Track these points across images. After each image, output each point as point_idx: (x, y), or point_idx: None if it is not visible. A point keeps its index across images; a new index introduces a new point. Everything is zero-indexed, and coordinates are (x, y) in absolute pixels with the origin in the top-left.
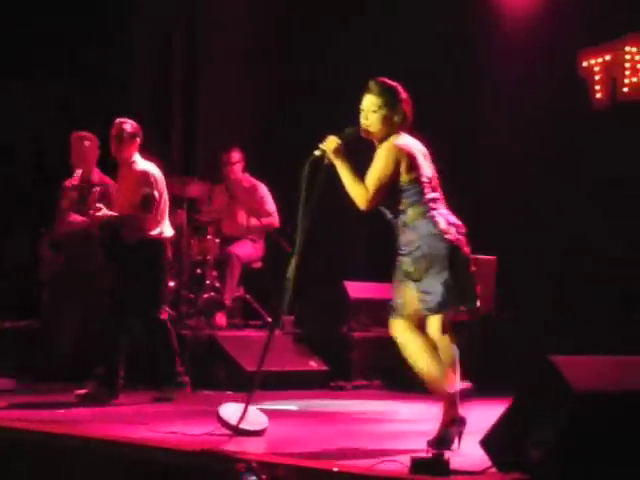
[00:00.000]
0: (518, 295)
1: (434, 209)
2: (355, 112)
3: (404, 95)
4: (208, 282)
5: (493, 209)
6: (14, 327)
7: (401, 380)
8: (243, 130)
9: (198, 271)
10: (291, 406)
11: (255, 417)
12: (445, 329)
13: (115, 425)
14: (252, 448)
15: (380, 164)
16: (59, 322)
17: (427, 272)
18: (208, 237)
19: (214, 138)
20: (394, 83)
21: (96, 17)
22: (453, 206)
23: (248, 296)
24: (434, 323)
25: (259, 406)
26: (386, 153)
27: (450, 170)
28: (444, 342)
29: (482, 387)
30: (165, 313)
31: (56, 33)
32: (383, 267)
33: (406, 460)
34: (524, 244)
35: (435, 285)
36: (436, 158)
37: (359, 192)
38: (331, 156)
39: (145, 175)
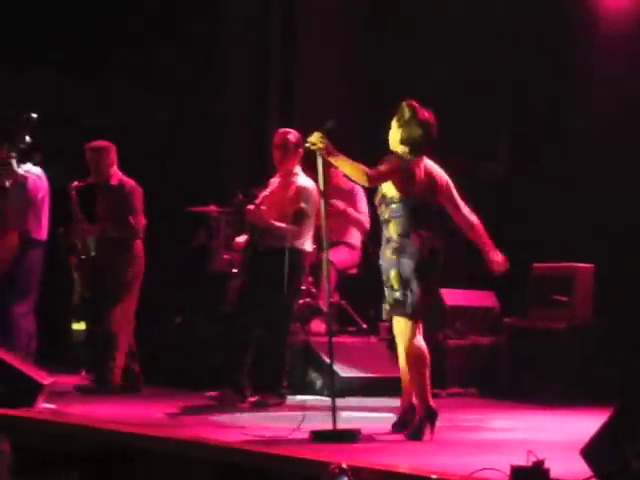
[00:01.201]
0: (617, 302)
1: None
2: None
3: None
4: (304, 288)
5: (590, 215)
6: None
7: (496, 388)
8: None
9: None
10: (386, 413)
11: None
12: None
13: (209, 428)
14: (347, 454)
15: (395, 161)
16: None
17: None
18: None
19: None
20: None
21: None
22: (553, 212)
23: (343, 302)
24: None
25: (354, 413)
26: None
27: (549, 176)
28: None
29: (581, 395)
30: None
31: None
32: (479, 274)
33: (505, 469)
34: (622, 251)
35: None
36: (534, 163)
37: (359, 172)
38: (322, 153)
39: (305, 191)
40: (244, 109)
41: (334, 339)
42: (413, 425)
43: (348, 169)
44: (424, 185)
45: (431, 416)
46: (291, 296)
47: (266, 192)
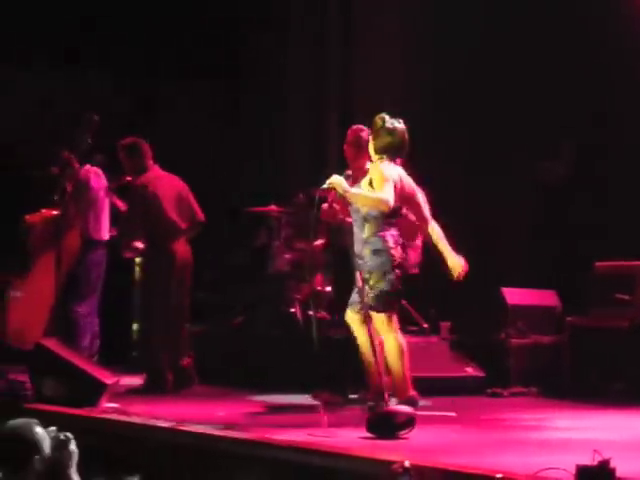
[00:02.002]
0: None
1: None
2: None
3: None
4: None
5: None
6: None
7: (559, 387)
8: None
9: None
10: (448, 412)
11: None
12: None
13: (273, 428)
14: (410, 453)
15: (381, 179)
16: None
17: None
18: None
19: None
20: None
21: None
22: (616, 211)
23: (404, 302)
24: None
25: (416, 412)
26: (379, 173)
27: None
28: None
29: None
30: None
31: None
32: (541, 273)
33: (570, 468)
34: None
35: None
36: (597, 162)
37: (375, 200)
38: (340, 191)
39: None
40: (303, 110)
41: None
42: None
43: (364, 201)
44: (396, 189)
45: (414, 404)
46: None
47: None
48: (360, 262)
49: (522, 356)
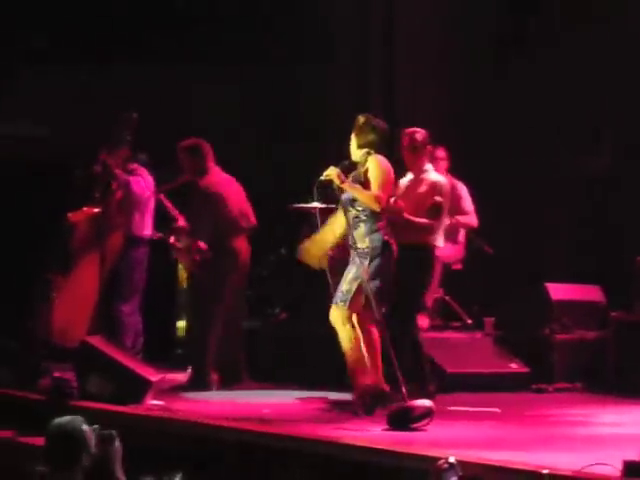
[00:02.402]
0: None
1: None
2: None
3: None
4: None
5: None
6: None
7: (603, 383)
8: (445, 128)
9: None
10: (493, 408)
11: None
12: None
13: (307, 424)
14: (456, 448)
15: (381, 173)
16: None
17: None
18: None
19: None
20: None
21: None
22: None
23: (447, 297)
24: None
25: (460, 408)
26: (379, 166)
27: None
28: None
29: None
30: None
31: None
32: (585, 268)
33: (617, 463)
34: None
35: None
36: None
37: (370, 198)
38: (337, 182)
39: (437, 185)
40: (346, 106)
41: (439, 334)
42: (366, 403)
43: (360, 195)
44: (391, 184)
45: (384, 396)
46: (425, 292)
47: (400, 191)
48: (359, 257)
49: (566, 352)
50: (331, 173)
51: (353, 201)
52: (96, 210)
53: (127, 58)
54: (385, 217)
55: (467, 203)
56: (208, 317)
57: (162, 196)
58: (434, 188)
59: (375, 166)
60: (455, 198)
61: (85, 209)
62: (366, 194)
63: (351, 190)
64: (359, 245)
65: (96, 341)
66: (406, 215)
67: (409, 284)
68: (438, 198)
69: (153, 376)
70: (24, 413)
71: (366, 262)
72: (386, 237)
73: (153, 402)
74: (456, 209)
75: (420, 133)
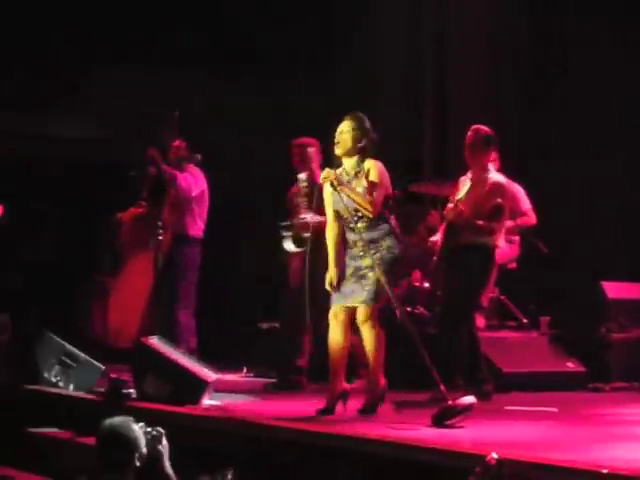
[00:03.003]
0: None
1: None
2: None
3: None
4: None
5: None
6: (270, 328)
7: None
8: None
9: None
10: (549, 408)
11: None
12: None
13: (362, 423)
14: (511, 448)
15: (382, 178)
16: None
17: None
18: None
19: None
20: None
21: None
22: None
23: (503, 297)
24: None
25: (517, 407)
26: (379, 170)
27: None
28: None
29: None
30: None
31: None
32: None
33: None
34: None
35: None
36: None
37: (365, 202)
38: (335, 184)
39: (499, 186)
40: (398, 110)
41: (495, 334)
42: (368, 402)
43: (358, 199)
44: (388, 190)
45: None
46: (484, 292)
47: (462, 191)
48: (373, 255)
49: (623, 351)
50: (327, 176)
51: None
52: (141, 209)
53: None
54: (445, 219)
55: (524, 203)
56: (299, 318)
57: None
58: (495, 189)
59: (377, 171)
60: (512, 199)
61: (131, 209)
62: (360, 199)
63: (350, 193)
64: (380, 244)
65: (153, 342)
66: (469, 218)
67: (468, 283)
68: (499, 200)
69: (209, 377)
70: (82, 414)
71: (387, 260)
72: (400, 241)
73: (210, 402)
74: (514, 210)
75: (485, 131)
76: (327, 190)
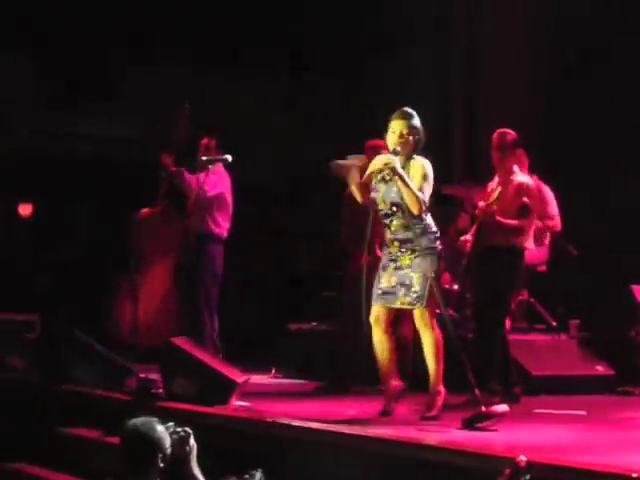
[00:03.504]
0: None
1: None
2: None
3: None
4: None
5: None
6: (300, 329)
7: None
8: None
9: None
10: (579, 411)
11: None
12: None
13: (395, 425)
14: (540, 451)
15: (430, 177)
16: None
17: None
18: None
19: None
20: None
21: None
22: None
23: (532, 300)
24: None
25: (546, 410)
26: (428, 169)
27: None
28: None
29: None
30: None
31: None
32: None
33: None
34: None
35: None
36: None
37: (415, 198)
38: (397, 170)
39: (524, 186)
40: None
41: (524, 337)
42: (433, 408)
43: (406, 192)
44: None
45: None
46: (514, 294)
47: (495, 194)
48: (419, 256)
49: None
50: (390, 162)
51: (405, 207)
52: (156, 207)
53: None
54: (476, 221)
55: (553, 207)
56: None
57: None
58: (521, 189)
59: (426, 170)
60: (542, 201)
61: (149, 208)
62: (414, 193)
63: (404, 186)
64: (418, 245)
65: (181, 342)
66: (499, 218)
67: (499, 285)
68: (525, 199)
69: (238, 377)
70: (110, 413)
71: (430, 259)
72: (437, 234)
73: (239, 403)
74: (543, 212)
75: (510, 134)
76: (376, 176)
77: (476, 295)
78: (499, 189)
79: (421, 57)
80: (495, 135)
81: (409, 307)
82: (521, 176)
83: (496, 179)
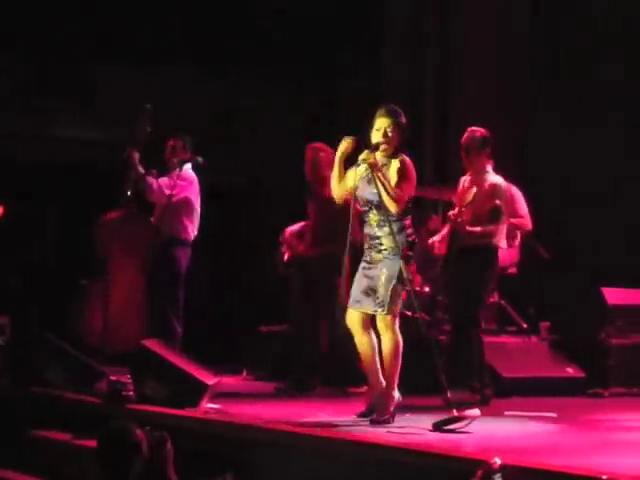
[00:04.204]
0: None
1: None
2: None
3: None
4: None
5: None
6: (272, 331)
7: None
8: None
9: None
10: (549, 413)
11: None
12: None
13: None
14: (510, 453)
15: (411, 176)
16: (306, 327)
17: None
18: None
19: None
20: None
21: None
22: None
23: (503, 302)
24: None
25: (516, 412)
26: (411, 168)
27: None
28: None
29: None
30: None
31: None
32: None
33: None
34: None
35: None
36: None
37: (394, 198)
38: (371, 168)
39: (496, 188)
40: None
41: (495, 339)
42: (383, 411)
43: (388, 188)
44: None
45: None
46: (489, 291)
47: (469, 196)
48: (388, 257)
49: (623, 356)
50: (369, 158)
51: (379, 205)
52: (125, 210)
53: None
54: (449, 223)
55: (522, 206)
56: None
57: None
58: (493, 191)
59: (408, 168)
60: (512, 201)
61: (115, 210)
62: (391, 191)
63: (385, 182)
64: (387, 244)
65: (152, 344)
66: (468, 228)
67: (474, 283)
68: (498, 202)
69: (209, 379)
70: (81, 416)
71: (399, 261)
72: (412, 237)
73: (209, 405)
74: (511, 212)
75: (479, 132)
76: (356, 170)
77: (451, 294)
78: (474, 190)
79: (393, 57)
80: (465, 134)
81: (374, 313)
82: (494, 177)
83: (468, 177)
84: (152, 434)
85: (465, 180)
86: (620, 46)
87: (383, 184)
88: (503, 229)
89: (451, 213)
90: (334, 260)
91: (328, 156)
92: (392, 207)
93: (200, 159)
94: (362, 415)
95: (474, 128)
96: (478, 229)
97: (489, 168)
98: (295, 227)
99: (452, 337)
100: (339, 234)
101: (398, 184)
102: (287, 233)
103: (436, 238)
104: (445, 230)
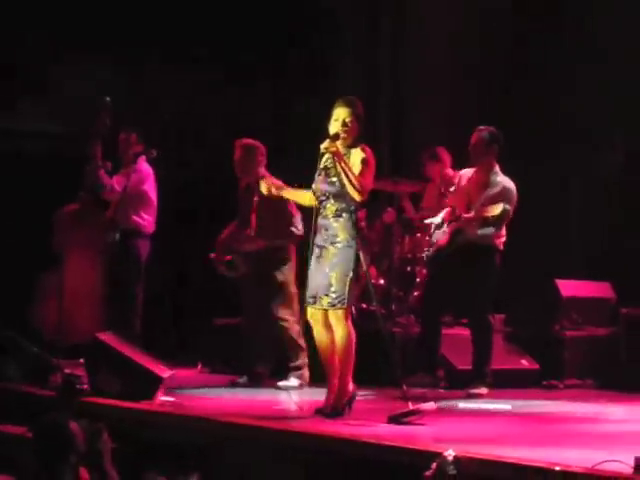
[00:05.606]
0: None
1: None
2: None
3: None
4: (418, 280)
5: None
6: (226, 324)
7: (614, 379)
8: (452, 127)
9: (408, 269)
10: (503, 405)
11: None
12: None
13: (315, 420)
14: (464, 444)
15: (373, 166)
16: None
17: None
18: (418, 235)
19: (423, 134)
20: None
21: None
22: None
23: None
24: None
25: (472, 404)
26: (372, 158)
27: None
28: None
29: None
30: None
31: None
32: (595, 265)
33: (629, 461)
34: None
35: None
36: None
37: (356, 186)
38: (334, 157)
39: (508, 192)
40: None
41: (449, 331)
42: (335, 404)
43: (351, 177)
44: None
45: (352, 397)
46: (491, 291)
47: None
48: (343, 250)
49: (577, 348)
50: (331, 147)
51: (337, 195)
52: (80, 204)
53: None
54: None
55: None
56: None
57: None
58: (505, 194)
59: (367, 157)
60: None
61: (71, 204)
62: (355, 180)
63: (348, 171)
64: (342, 236)
65: (106, 337)
66: (474, 231)
67: (481, 279)
68: (507, 206)
69: (164, 372)
70: (35, 410)
71: (353, 253)
72: (364, 230)
73: (164, 398)
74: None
75: (487, 129)
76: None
77: (453, 288)
78: (485, 194)
79: (348, 56)
80: (473, 134)
81: (331, 308)
82: (503, 177)
83: (470, 173)
84: (88, 427)
85: (465, 176)
86: None
87: (346, 173)
88: (503, 234)
89: (465, 216)
90: (279, 252)
91: (259, 150)
92: (356, 196)
93: (154, 152)
94: (319, 411)
95: (483, 127)
96: (480, 232)
97: (497, 168)
98: (225, 233)
99: (421, 333)
100: (280, 226)
101: (362, 173)
102: (220, 242)
103: (435, 221)
104: (444, 215)
